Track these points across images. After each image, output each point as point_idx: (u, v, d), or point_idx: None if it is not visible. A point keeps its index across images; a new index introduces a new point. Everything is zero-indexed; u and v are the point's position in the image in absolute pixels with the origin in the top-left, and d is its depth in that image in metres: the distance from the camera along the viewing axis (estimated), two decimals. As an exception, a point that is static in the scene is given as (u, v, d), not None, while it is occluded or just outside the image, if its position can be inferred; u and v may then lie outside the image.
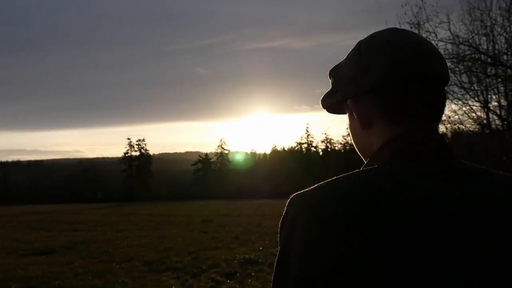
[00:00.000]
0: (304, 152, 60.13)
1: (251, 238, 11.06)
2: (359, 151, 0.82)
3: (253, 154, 68.95)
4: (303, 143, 60.79)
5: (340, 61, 0.82)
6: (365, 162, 0.77)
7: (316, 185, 0.67)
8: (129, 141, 65.51)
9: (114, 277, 7.02)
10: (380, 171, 0.66)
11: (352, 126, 0.81)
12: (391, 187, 0.62)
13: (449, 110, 9.45)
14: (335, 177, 0.67)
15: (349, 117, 0.82)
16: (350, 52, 0.79)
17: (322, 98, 0.85)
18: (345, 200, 0.60)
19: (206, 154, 65.66)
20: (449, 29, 8.22)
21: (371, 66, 0.72)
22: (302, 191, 0.67)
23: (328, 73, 0.85)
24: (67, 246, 10.78)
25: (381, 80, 0.71)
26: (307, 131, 60.81)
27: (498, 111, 9.23)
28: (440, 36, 8.25)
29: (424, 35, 8.99)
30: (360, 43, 0.77)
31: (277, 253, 0.65)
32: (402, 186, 0.62)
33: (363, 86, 0.74)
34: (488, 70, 8.77)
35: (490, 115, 9.33)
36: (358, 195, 0.61)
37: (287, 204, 0.67)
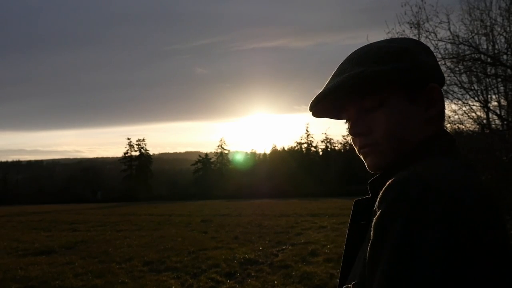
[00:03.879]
0: (304, 152, 60.11)
1: (251, 238, 11.06)
2: (397, 142, 0.75)
3: (253, 154, 68.94)
4: (303, 143, 60.83)
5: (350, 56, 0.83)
6: (396, 154, 0.76)
7: (423, 171, 0.63)
8: (129, 141, 65.57)
9: (114, 277, 7.01)
10: (465, 163, 0.73)
11: (404, 113, 0.75)
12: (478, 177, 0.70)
13: (449, 110, 9.43)
14: (431, 165, 0.67)
15: (400, 104, 0.76)
16: (420, 43, 0.82)
17: (392, 70, 0.75)
18: (472, 187, 0.63)
19: (206, 154, 65.62)
20: (449, 29, 8.20)
21: (437, 66, 0.82)
22: (413, 178, 0.61)
23: (397, 50, 0.77)
24: (67, 246, 10.77)
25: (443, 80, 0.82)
26: (307, 131, 60.86)
27: (498, 111, 9.21)
28: (440, 36, 8.22)
29: (424, 35, 8.99)
30: (424, 44, 0.83)
31: (390, 248, 0.57)
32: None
33: (441, 77, 0.81)
34: (488, 70, 8.74)
35: (490, 115, 9.32)
36: (474, 181, 0.65)
37: (398, 191, 0.60)
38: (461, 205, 0.58)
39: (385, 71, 0.74)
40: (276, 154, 62.47)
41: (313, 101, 0.82)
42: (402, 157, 0.75)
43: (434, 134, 0.76)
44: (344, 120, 0.86)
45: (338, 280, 0.82)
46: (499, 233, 0.61)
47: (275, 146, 65.25)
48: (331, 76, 0.83)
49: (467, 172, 0.68)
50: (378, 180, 0.76)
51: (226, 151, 65.77)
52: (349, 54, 0.83)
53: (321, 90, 0.81)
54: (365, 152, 0.79)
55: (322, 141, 60.71)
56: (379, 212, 0.61)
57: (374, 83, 0.74)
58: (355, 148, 0.82)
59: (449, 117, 9.50)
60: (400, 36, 0.82)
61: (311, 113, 0.85)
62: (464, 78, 9.12)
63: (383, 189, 0.63)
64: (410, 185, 0.60)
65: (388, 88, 0.75)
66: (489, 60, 8.14)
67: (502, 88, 9.39)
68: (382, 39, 0.86)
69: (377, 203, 0.63)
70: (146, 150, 65.98)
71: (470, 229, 0.57)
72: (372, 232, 0.61)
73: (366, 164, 0.81)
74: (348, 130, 0.81)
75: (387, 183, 0.64)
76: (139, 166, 64.22)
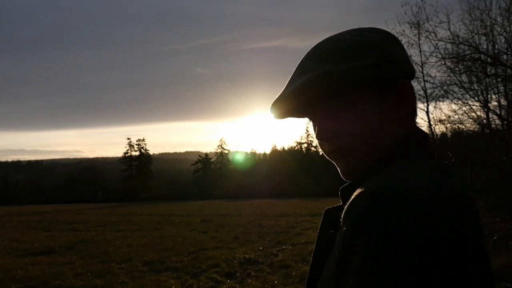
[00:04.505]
0: (304, 152, 60.10)
1: (251, 238, 11.06)
2: (369, 145, 0.69)
3: (253, 154, 69.00)
4: (303, 143, 60.79)
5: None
6: (369, 157, 0.70)
7: (392, 182, 0.58)
8: (129, 141, 65.55)
9: (114, 277, 7.01)
10: (438, 166, 0.66)
11: (375, 114, 0.69)
12: (455, 181, 0.63)
13: (449, 110, 9.47)
14: (400, 174, 0.61)
15: (370, 103, 0.69)
16: (388, 34, 0.74)
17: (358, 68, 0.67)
18: (443, 195, 0.57)
19: (206, 154, 65.61)
20: (449, 29, 8.23)
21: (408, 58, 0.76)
22: (377, 191, 0.56)
23: (364, 44, 0.70)
24: (67, 246, 10.77)
25: (414, 72, 0.76)
26: (307, 131, 60.85)
27: (498, 111, 9.22)
28: (440, 36, 8.26)
29: (424, 35, 9.00)
30: (392, 34, 0.76)
31: (355, 271, 0.53)
32: (454, 179, 0.64)
33: (411, 71, 0.75)
34: (488, 69, 8.75)
35: (490, 114, 9.33)
36: (447, 188, 0.59)
37: (361, 209, 0.55)
38: (428, 227, 0.52)
39: (351, 69, 0.67)
40: (276, 154, 62.47)
41: (273, 103, 0.75)
42: (374, 162, 0.69)
43: (407, 133, 0.70)
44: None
45: None
46: (473, 248, 0.56)
47: (275, 146, 65.38)
48: (291, 75, 0.74)
49: (439, 177, 0.62)
50: (349, 187, 0.69)
51: (226, 151, 65.79)
52: (311, 49, 0.75)
53: (281, 92, 0.74)
54: (336, 157, 0.73)
55: (322, 141, 60.66)
56: (342, 232, 0.57)
57: (340, 83, 0.67)
58: (324, 154, 0.75)
59: (449, 117, 9.52)
60: (370, 27, 0.72)
61: (272, 116, 0.77)
62: (464, 78, 9.15)
63: (347, 204, 0.59)
64: (373, 204, 0.55)
65: (356, 87, 0.68)
66: (489, 60, 8.14)
67: (502, 88, 9.40)
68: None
69: (342, 217, 0.59)
70: (146, 150, 66.02)
71: (440, 252, 0.52)
72: (336, 253, 0.58)
73: (339, 171, 0.74)
74: (315, 134, 0.73)
75: (352, 196, 0.59)
76: (139, 166, 64.22)
